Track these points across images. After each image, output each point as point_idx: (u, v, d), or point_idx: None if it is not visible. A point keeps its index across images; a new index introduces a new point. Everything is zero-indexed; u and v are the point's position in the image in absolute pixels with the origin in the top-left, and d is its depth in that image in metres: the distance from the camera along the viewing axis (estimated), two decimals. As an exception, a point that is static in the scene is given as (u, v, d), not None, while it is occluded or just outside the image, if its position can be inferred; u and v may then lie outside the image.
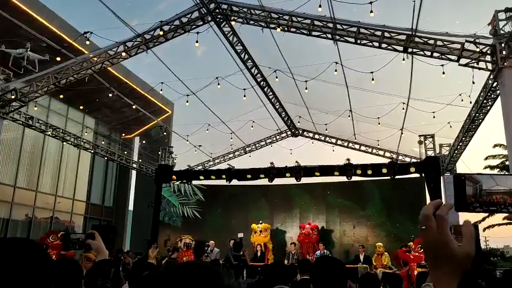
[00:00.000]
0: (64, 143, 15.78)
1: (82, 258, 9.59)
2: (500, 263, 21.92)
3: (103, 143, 17.74)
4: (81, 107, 17.89)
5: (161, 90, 13.61)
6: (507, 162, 13.87)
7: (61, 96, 15.43)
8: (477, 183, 1.09)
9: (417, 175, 13.66)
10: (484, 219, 16.34)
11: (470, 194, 1.09)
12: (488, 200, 1.08)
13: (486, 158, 20.20)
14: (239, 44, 12.00)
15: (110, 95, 14.43)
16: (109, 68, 12.65)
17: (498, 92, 9.37)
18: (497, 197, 1.08)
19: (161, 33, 11.05)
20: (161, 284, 0.98)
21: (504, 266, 19.80)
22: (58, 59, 11.78)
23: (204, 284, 0.97)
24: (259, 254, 13.68)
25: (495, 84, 9.37)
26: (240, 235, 15.50)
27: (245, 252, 10.97)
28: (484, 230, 19.50)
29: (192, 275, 0.98)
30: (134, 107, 15.24)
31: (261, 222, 15.20)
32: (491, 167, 20.22)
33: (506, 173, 16.60)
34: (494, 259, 21.95)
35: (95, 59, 11.85)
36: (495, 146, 18.86)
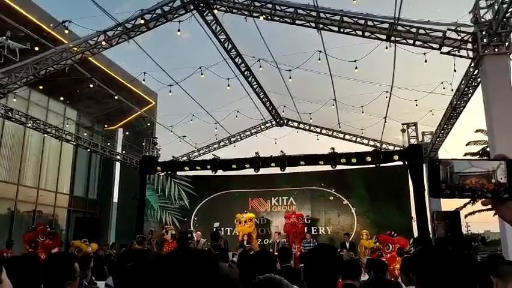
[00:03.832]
0: (45, 135, 15.51)
1: (72, 249, 9.49)
2: (481, 248, 22.45)
3: (85, 134, 17.46)
4: (62, 98, 17.51)
5: (143, 80, 13.41)
6: (488, 149, 14.09)
7: (41, 87, 15.08)
8: (447, 166, 1.00)
9: (401, 163, 13.83)
10: (465, 205, 16.65)
11: (441, 179, 0.99)
12: (461, 184, 0.99)
13: (467, 144, 20.45)
14: (222, 33, 11.89)
15: (92, 85, 14.17)
16: (89, 58, 12.42)
17: (479, 79, 9.50)
18: (473, 181, 0.98)
19: (142, 22, 10.86)
20: (154, 274, 0.89)
21: (485, 250, 20.27)
22: (37, 49, 11.50)
23: (201, 272, 0.88)
24: (245, 244, 13.71)
25: (476, 72, 9.50)
26: (216, 224, 15.40)
27: (221, 242, 11.01)
28: (466, 216, 19.87)
29: (188, 263, 0.90)
30: (116, 97, 15.02)
31: (245, 212, 15.21)
32: (472, 154, 20.50)
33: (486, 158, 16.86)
34: (475, 244, 22.44)
35: (75, 48, 11.61)
36: (477, 131, 19.09)
